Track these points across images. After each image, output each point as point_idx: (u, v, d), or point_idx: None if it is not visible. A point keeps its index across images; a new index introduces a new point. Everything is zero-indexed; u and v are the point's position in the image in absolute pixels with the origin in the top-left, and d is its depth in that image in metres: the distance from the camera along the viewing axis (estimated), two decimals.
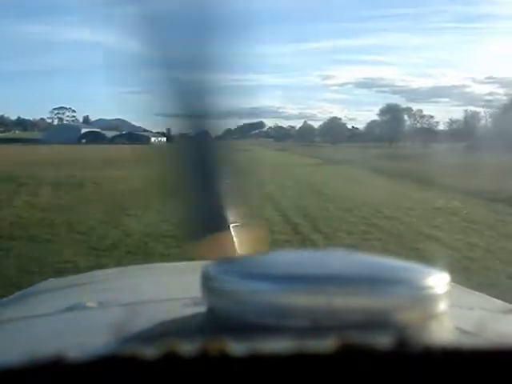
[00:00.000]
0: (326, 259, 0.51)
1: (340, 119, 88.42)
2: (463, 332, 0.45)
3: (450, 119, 66.93)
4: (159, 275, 1.15)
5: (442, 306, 0.46)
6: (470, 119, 58.55)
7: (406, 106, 73.60)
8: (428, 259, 0.58)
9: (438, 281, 0.46)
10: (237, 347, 0.32)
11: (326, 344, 0.32)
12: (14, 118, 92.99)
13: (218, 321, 0.45)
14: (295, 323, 0.41)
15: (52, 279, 1.23)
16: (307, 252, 0.56)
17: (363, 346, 0.32)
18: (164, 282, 0.98)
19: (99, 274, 1.35)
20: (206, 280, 0.47)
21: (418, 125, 68.72)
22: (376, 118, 71.46)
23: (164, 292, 0.75)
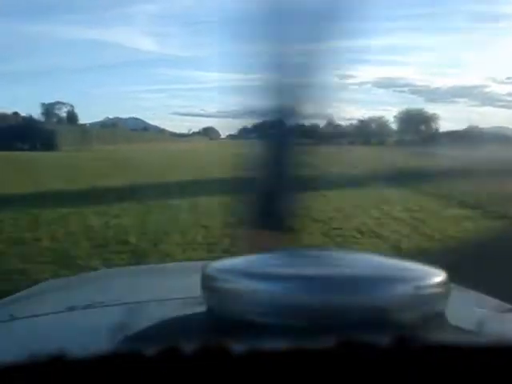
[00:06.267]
0: (325, 259, 0.51)
1: (420, 111, 59.29)
2: (463, 332, 0.45)
3: None
4: (159, 275, 1.15)
5: (442, 306, 0.46)
6: None
7: None
8: (428, 259, 0.58)
9: (437, 281, 0.46)
10: (237, 346, 0.32)
11: (326, 343, 0.32)
12: None
13: (217, 320, 0.45)
14: (295, 322, 0.41)
15: (52, 279, 1.23)
16: (307, 252, 0.56)
17: (363, 345, 0.32)
18: (164, 282, 0.98)
19: (99, 274, 1.35)
20: (206, 280, 0.47)
21: None
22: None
23: (164, 292, 0.75)
